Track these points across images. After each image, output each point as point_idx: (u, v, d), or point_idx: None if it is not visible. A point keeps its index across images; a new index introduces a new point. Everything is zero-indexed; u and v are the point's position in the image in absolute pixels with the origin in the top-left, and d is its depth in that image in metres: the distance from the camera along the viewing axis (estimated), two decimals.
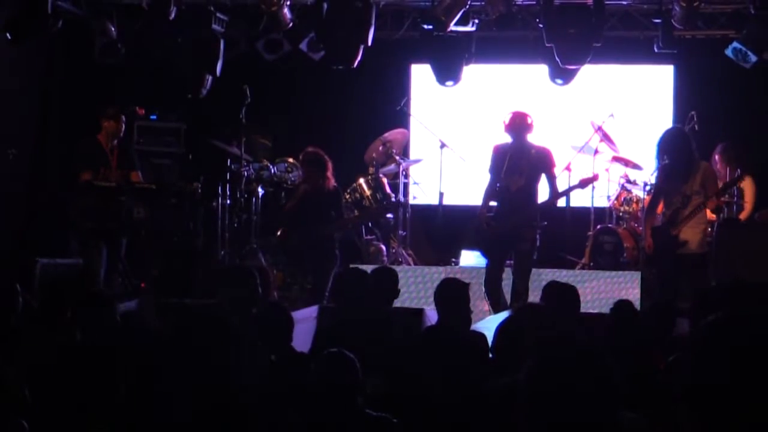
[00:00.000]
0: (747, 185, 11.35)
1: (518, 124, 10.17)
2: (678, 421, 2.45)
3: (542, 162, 10.14)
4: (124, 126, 11.19)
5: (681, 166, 9.63)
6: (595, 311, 9.59)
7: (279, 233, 11.03)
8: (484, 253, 10.43)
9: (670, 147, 9.70)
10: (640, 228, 11.69)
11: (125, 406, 3.76)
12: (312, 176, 10.90)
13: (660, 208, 9.87)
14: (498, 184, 10.20)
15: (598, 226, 12.37)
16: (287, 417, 4.50)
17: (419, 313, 9.59)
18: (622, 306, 6.59)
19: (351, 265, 9.93)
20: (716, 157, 11.33)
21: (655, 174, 10.13)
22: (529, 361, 2.74)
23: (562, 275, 10.51)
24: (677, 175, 9.63)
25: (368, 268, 8.69)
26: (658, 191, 9.97)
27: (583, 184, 10.70)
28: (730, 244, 10.44)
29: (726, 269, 10.05)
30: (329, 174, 10.88)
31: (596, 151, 12.69)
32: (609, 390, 2.68)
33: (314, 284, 10.72)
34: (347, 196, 12.43)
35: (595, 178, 10.97)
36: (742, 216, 11.35)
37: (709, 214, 9.82)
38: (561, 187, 10.51)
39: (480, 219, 10.26)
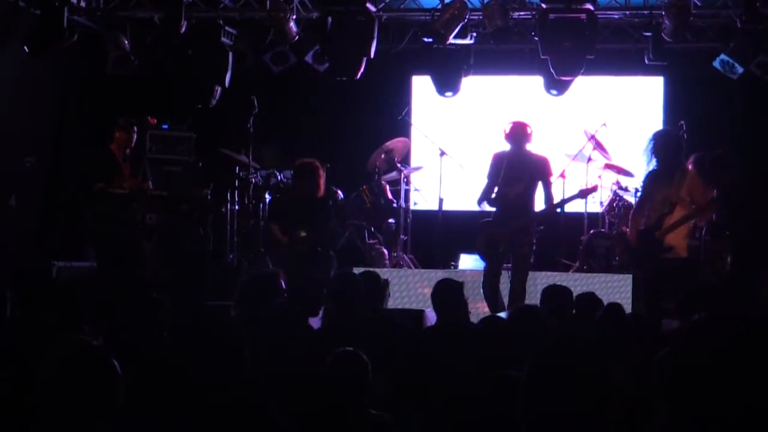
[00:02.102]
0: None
1: (518, 134, 10.20)
2: (660, 420, 2.49)
3: (540, 170, 10.16)
4: (135, 136, 11.25)
5: (668, 170, 9.62)
6: None
7: (279, 236, 10.93)
8: (483, 257, 10.46)
9: (661, 148, 9.68)
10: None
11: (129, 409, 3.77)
12: (306, 186, 10.87)
13: (646, 212, 9.88)
14: (497, 190, 10.24)
15: (592, 231, 12.41)
16: (292, 412, 4.53)
17: (420, 314, 9.63)
18: (612, 309, 6.65)
19: (344, 269, 10.00)
20: (689, 167, 11.35)
21: (643, 179, 10.12)
22: (529, 360, 2.78)
23: (557, 278, 10.54)
24: (664, 179, 9.62)
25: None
26: (645, 196, 9.97)
27: (583, 194, 10.74)
28: (719, 248, 10.48)
29: (715, 273, 10.09)
30: (321, 182, 10.88)
31: (589, 159, 12.74)
32: (605, 388, 2.72)
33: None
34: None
35: (594, 189, 10.99)
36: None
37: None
38: (556, 194, 10.54)
39: (481, 225, 10.33)
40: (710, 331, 2.38)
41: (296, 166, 11.03)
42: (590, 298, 7.43)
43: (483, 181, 10.44)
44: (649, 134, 10.09)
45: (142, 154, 11.77)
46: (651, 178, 9.82)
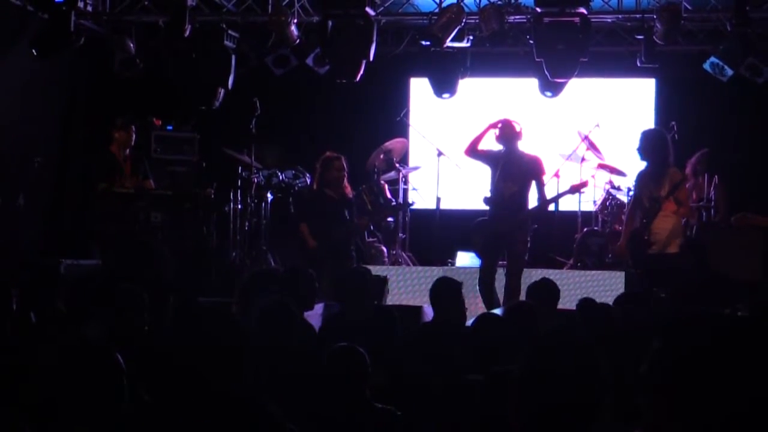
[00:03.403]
0: (719, 190, 11.37)
1: (508, 133, 10.19)
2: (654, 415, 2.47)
3: (533, 170, 10.16)
4: (134, 135, 11.22)
5: (656, 169, 9.58)
6: None
7: (309, 240, 10.86)
8: (479, 255, 10.45)
9: (649, 147, 9.63)
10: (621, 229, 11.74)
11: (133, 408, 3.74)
12: (333, 177, 10.86)
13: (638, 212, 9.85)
14: (492, 190, 10.23)
15: (585, 229, 12.40)
16: (297, 407, 4.51)
17: (417, 310, 9.63)
18: (586, 304, 6.66)
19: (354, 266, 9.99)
20: (694, 160, 11.33)
21: (635, 180, 10.08)
22: (525, 353, 2.76)
23: (552, 275, 10.52)
24: (650, 178, 9.59)
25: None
26: (637, 197, 9.93)
27: (574, 189, 10.73)
28: (711, 246, 10.47)
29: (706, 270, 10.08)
30: (345, 174, 10.90)
31: (583, 159, 12.72)
32: (597, 380, 2.70)
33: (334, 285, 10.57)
34: None
35: (584, 184, 10.99)
36: (717, 219, 11.35)
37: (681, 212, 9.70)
38: (549, 193, 10.53)
39: (476, 223, 10.33)
40: (696, 328, 2.37)
41: (322, 160, 11.00)
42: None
43: (480, 182, 10.46)
44: (639, 134, 10.05)
45: (142, 154, 11.74)
46: (640, 179, 9.80)
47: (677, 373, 2.31)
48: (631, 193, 11.68)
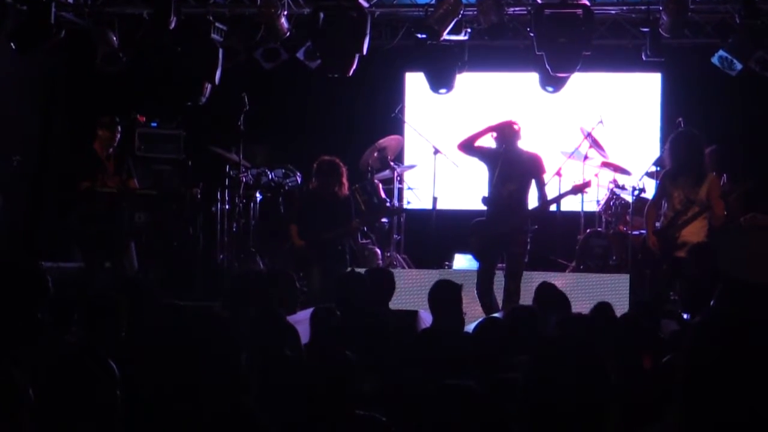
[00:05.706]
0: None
1: (506, 133, 10.19)
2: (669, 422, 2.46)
3: (533, 168, 10.15)
4: (118, 134, 11.19)
5: (685, 170, 9.61)
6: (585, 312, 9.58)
7: (296, 239, 10.90)
8: (477, 257, 10.43)
9: (682, 151, 9.66)
10: (628, 230, 11.71)
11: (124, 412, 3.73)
12: (326, 184, 10.86)
13: (661, 211, 9.87)
14: (490, 190, 10.22)
15: (588, 230, 12.39)
16: (279, 415, 4.50)
17: (413, 314, 9.60)
18: (602, 308, 6.64)
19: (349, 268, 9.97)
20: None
21: (658, 175, 10.06)
22: (529, 358, 2.76)
23: (553, 278, 10.51)
24: (682, 178, 9.61)
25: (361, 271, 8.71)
26: (661, 193, 9.94)
27: (576, 190, 10.71)
28: (720, 247, 10.47)
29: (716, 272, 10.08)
30: (344, 180, 10.91)
31: (586, 157, 12.70)
32: (603, 387, 2.70)
33: (324, 287, 10.62)
34: None
35: (587, 184, 10.96)
36: (727, 219, 11.35)
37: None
38: (550, 192, 10.52)
39: (474, 225, 10.32)
40: (714, 331, 2.36)
41: (318, 164, 11.00)
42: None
43: (478, 182, 10.45)
44: (646, 139, 10.10)
45: (126, 152, 11.72)
46: (667, 178, 9.81)
47: (696, 379, 2.31)
48: (636, 192, 11.70)
